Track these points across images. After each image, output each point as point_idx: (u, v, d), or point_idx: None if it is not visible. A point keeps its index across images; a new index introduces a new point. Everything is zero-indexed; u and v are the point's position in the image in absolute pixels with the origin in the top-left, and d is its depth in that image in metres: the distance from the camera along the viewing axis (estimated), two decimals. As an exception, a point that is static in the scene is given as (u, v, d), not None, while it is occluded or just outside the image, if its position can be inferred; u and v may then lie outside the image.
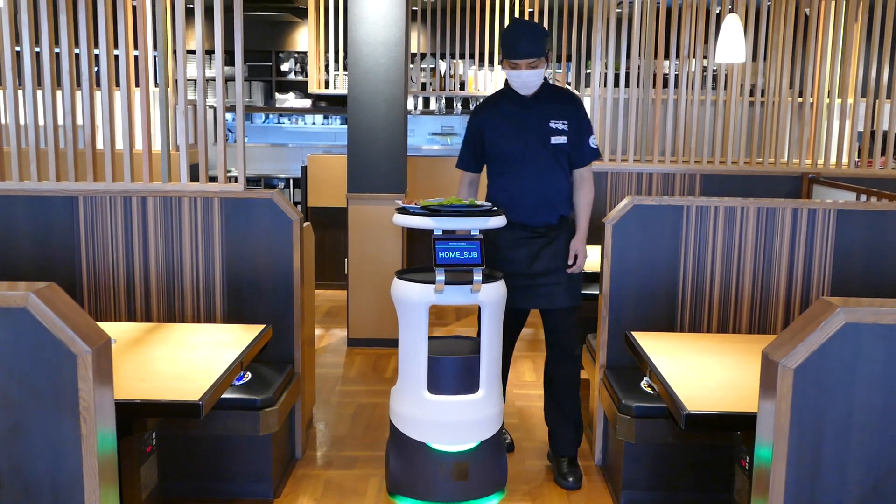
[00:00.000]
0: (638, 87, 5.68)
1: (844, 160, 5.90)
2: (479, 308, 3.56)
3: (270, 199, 3.90)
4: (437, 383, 3.53)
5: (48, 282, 1.79)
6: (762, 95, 6.16)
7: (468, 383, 3.56)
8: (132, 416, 2.68)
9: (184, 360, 3.02)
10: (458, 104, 9.96)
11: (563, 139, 3.77)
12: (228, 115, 9.65)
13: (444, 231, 3.49)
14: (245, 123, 3.97)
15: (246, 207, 3.91)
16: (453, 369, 3.55)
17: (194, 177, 4.19)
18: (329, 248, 7.42)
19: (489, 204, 3.61)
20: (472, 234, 3.51)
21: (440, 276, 3.42)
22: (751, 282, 3.86)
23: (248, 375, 3.64)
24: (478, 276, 3.46)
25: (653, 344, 3.22)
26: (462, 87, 9.11)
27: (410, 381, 3.56)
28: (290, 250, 3.92)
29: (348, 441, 4.31)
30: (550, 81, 3.97)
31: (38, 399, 1.73)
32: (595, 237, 4.12)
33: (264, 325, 3.40)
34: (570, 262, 3.84)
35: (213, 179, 4.15)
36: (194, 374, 2.80)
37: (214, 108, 8.39)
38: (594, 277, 4.18)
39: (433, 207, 3.51)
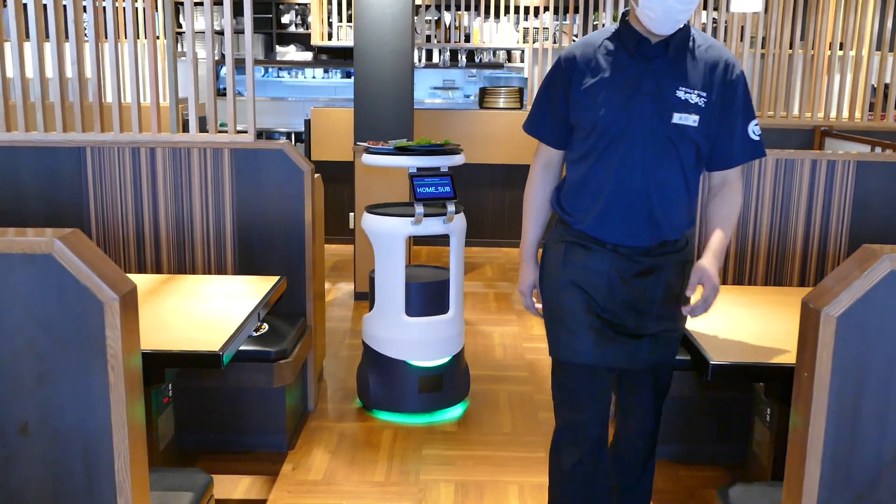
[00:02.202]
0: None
1: (857, 114, 5.83)
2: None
3: (281, 149, 3.84)
4: (414, 306, 3.92)
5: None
6: (774, 47, 6.08)
7: (440, 305, 3.98)
8: (150, 367, 2.64)
9: (200, 311, 2.99)
10: (463, 57, 9.83)
11: (692, 119, 2.34)
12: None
13: (418, 169, 3.86)
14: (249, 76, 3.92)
15: (256, 158, 3.86)
16: (427, 293, 3.95)
17: (203, 129, 4.12)
18: (333, 202, 7.36)
19: (458, 145, 4.02)
20: (441, 170, 3.87)
21: (419, 210, 3.78)
22: (767, 233, 3.81)
23: (265, 327, 3.62)
24: (451, 208, 3.85)
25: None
26: (467, 39, 8.98)
27: (389, 306, 3.91)
28: (302, 202, 3.87)
29: (360, 394, 4.29)
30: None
31: (64, 347, 1.70)
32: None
33: (279, 277, 3.36)
34: (688, 293, 2.43)
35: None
36: (211, 325, 2.77)
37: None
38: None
39: (404, 147, 3.89)
